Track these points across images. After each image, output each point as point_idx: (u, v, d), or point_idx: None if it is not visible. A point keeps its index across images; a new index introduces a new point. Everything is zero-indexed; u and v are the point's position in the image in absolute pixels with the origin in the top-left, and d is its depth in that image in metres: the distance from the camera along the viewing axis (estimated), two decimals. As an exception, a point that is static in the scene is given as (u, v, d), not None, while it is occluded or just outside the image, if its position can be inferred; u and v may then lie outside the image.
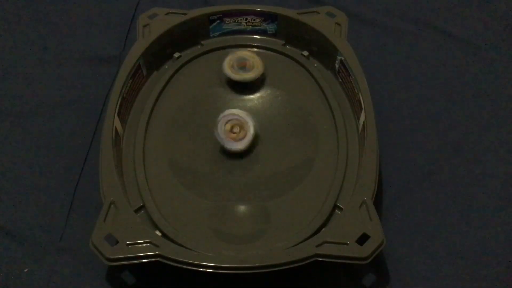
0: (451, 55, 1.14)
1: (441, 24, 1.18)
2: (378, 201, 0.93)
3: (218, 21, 1.06)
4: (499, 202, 0.94)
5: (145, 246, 0.78)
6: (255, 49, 1.07)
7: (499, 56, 1.13)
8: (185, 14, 1.04)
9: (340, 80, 1.01)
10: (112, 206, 0.82)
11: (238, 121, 0.94)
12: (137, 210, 0.85)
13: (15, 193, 0.96)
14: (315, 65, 1.04)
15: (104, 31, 1.18)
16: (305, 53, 1.05)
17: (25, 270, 0.88)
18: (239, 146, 0.93)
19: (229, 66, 1.01)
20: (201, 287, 0.85)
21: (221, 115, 0.95)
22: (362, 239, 0.79)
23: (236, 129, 0.94)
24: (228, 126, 0.94)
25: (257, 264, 0.77)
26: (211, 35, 1.07)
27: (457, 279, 0.86)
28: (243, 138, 0.93)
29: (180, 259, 0.77)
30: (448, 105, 1.06)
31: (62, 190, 0.96)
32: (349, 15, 1.06)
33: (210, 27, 1.06)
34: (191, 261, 0.77)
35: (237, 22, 1.07)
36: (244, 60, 1.01)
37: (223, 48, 1.07)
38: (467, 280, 0.86)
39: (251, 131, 0.94)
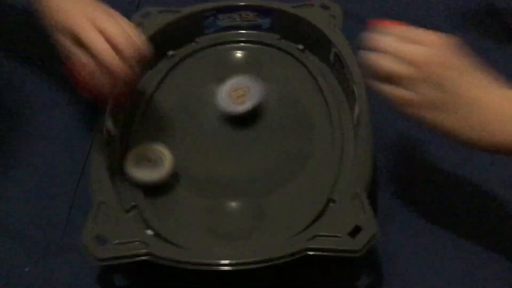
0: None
1: (440, 24, 1.16)
2: (377, 200, 0.92)
3: (211, 17, 1.05)
4: (499, 202, 0.92)
5: (135, 245, 0.77)
6: (250, 44, 1.06)
7: (496, 56, 1.11)
8: (178, 11, 1.04)
9: (335, 73, 0.99)
10: (102, 205, 0.81)
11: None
12: (129, 210, 0.85)
13: (15, 193, 0.96)
14: (311, 58, 1.03)
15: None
16: (300, 46, 1.04)
17: (26, 270, 0.88)
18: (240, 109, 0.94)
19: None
20: (195, 286, 0.84)
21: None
22: (355, 232, 0.77)
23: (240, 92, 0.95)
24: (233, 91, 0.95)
25: (246, 260, 0.75)
26: (205, 32, 1.07)
27: (457, 279, 0.85)
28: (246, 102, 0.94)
29: (169, 257, 0.76)
30: None
31: (62, 189, 0.96)
32: (350, 16, 1.05)
33: (204, 24, 1.06)
34: (181, 259, 0.76)
35: (231, 18, 1.06)
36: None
37: (218, 44, 1.06)
38: (467, 280, 0.85)
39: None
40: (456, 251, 0.88)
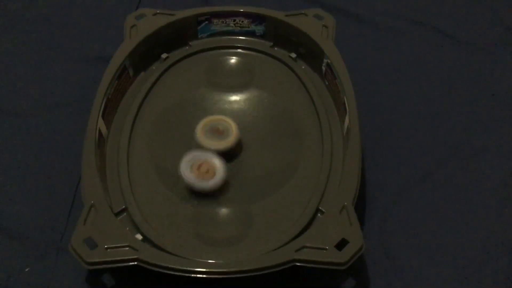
0: (450, 55, 1.14)
1: (440, 25, 1.19)
2: (377, 200, 0.94)
3: (206, 22, 1.06)
4: (499, 202, 0.94)
5: (124, 250, 0.78)
6: (243, 50, 1.07)
7: (496, 56, 1.13)
8: (173, 15, 1.04)
9: (327, 83, 1.00)
10: (92, 209, 0.82)
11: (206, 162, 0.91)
12: (119, 213, 0.86)
13: (15, 193, 0.96)
14: (303, 67, 1.04)
15: (104, 31, 1.19)
16: (293, 55, 1.05)
17: (26, 270, 0.89)
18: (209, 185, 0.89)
19: (202, 132, 0.93)
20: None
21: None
22: (342, 244, 0.78)
23: (203, 169, 0.90)
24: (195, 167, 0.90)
25: (235, 269, 0.77)
26: (199, 36, 1.07)
27: (457, 279, 0.87)
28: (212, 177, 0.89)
29: (157, 263, 0.77)
30: (447, 105, 1.06)
31: (62, 190, 0.96)
32: (348, 16, 1.05)
33: (198, 28, 1.06)
34: (168, 266, 0.77)
35: (225, 23, 1.06)
36: (217, 126, 0.94)
37: (211, 49, 1.07)
38: (466, 280, 0.87)
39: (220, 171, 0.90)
40: (456, 251, 0.89)
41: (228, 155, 0.93)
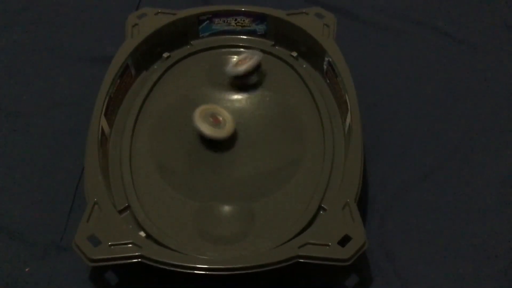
0: (450, 55, 1.14)
1: (440, 25, 1.19)
2: (377, 200, 0.94)
3: (207, 21, 1.06)
4: (499, 202, 0.94)
5: (127, 247, 0.78)
6: (244, 49, 1.07)
7: (496, 56, 1.14)
8: (174, 14, 1.05)
9: (328, 81, 1.01)
10: (96, 206, 0.82)
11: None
12: (122, 211, 0.86)
13: (15, 193, 0.96)
14: (304, 66, 1.04)
15: (104, 31, 1.19)
16: (294, 53, 1.05)
17: (26, 270, 0.89)
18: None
19: (201, 118, 0.95)
20: (188, 285, 0.85)
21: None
22: (344, 241, 0.79)
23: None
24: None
25: (238, 266, 0.77)
26: (200, 35, 1.08)
27: (457, 279, 0.87)
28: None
29: (161, 260, 0.77)
30: (447, 105, 1.07)
31: (62, 190, 0.96)
32: (348, 16, 1.05)
33: (200, 27, 1.07)
34: (172, 262, 0.77)
35: (227, 22, 1.07)
36: (215, 116, 0.96)
37: (213, 48, 1.07)
38: (466, 280, 0.87)
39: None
40: (456, 251, 0.89)
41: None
